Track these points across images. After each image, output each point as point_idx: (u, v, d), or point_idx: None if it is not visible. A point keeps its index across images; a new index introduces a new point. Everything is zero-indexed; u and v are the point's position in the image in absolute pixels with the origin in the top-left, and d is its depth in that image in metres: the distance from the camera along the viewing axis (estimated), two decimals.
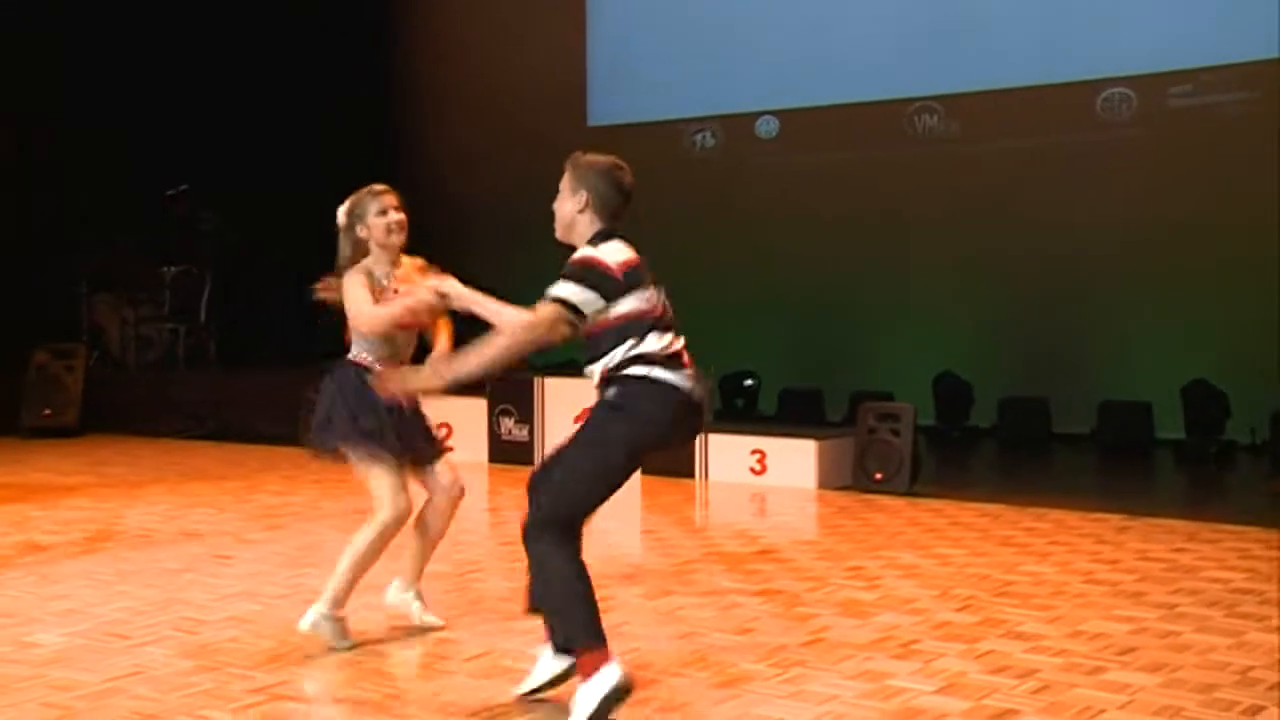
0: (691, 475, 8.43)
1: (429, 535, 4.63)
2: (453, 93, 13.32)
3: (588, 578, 3.70)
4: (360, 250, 4.45)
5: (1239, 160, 9.64)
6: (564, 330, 3.74)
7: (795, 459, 8.13)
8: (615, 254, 3.79)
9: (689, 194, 12.00)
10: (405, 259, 4.50)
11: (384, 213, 4.41)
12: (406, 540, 4.59)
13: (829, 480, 8.04)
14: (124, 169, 12.37)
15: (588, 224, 3.87)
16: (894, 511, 7.21)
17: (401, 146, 12.78)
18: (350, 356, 4.47)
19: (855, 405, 8.80)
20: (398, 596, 4.71)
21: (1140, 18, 10.19)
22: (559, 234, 3.96)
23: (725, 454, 8.38)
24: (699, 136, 12.31)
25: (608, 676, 3.57)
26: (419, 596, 4.70)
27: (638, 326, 3.76)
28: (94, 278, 12.07)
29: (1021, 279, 10.63)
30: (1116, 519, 6.86)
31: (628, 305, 3.76)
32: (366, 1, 13.66)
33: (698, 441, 8.42)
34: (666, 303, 3.87)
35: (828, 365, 11.13)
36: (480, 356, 3.75)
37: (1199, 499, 8.13)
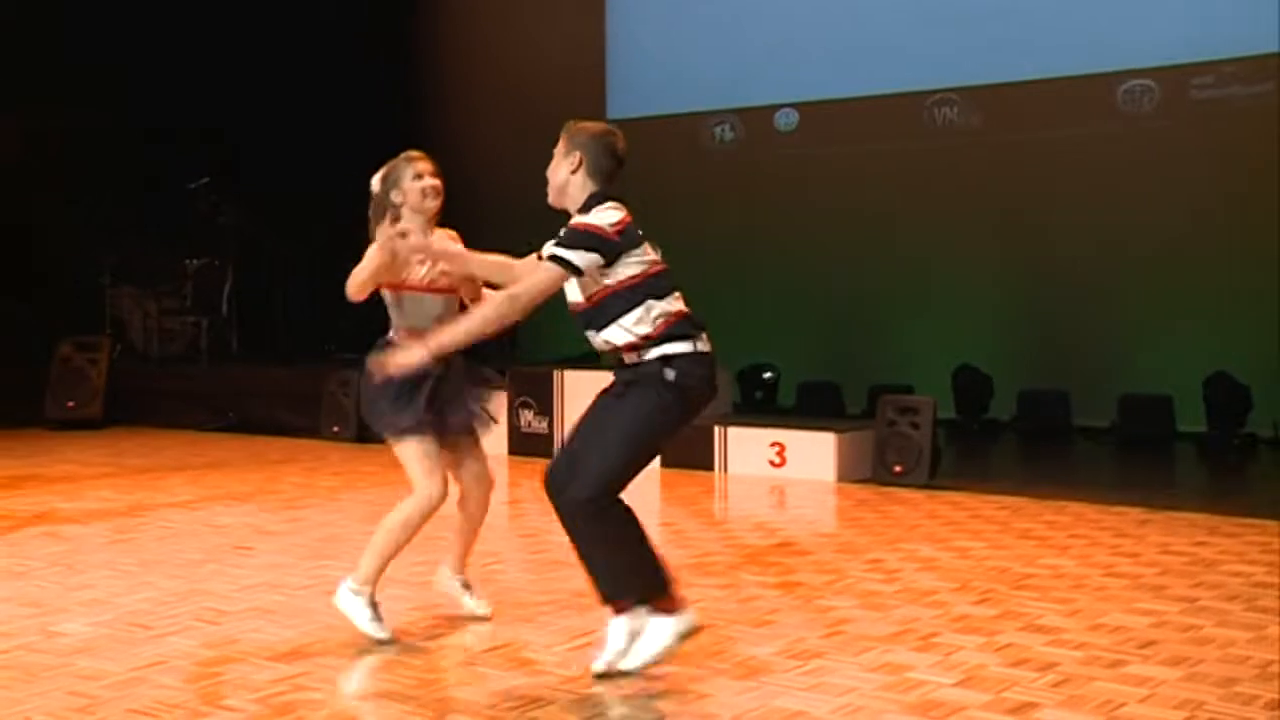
0: (710, 468, 8.43)
1: (471, 522, 4.65)
2: (473, 86, 13.33)
3: (638, 534, 3.89)
4: (394, 218, 4.40)
5: (1261, 152, 9.57)
6: (555, 289, 3.85)
7: (815, 452, 8.12)
8: (608, 216, 3.85)
9: (708, 186, 11.98)
10: (437, 230, 4.47)
11: (419, 177, 4.39)
12: (446, 528, 4.62)
13: (848, 473, 8.02)
14: (146, 163, 12.42)
15: (580, 187, 3.94)
16: (913, 504, 7.20)
17: (421, 139, 12.75)
18: (390, 334, 4.46)
19: (874, 398, 8.78)
20: (447, 583, 4.74)
21: (1162, 9, 10.12)
22: (551, 199, 4.03)
23: (744, 446, 8.37)
24: (718, 129, 12.29)
25: (685, 620, 3.89)
26: (466, 585, 4.72)
27: (654, 286, 3.85)
28: (117, 271, 12.13)
29: (1041, 271, 10.59)
30: (1137, 512, 6.83)
31: (631, 267, 3.84)
32: None
33: (717, 434, 8.43)
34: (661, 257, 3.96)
35: (847, 358, 11.10)
36: (467, 326, 3.86)
37: (1220, 493, 8.08)
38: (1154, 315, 10.13)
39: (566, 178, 3.95)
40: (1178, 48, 10.01)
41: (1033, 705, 3.75)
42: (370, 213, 4.45)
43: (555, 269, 3.80)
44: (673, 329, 3.84)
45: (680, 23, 12.34)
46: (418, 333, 4.26)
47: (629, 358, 3.88)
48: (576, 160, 3.93)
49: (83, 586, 5.23)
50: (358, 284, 4.26)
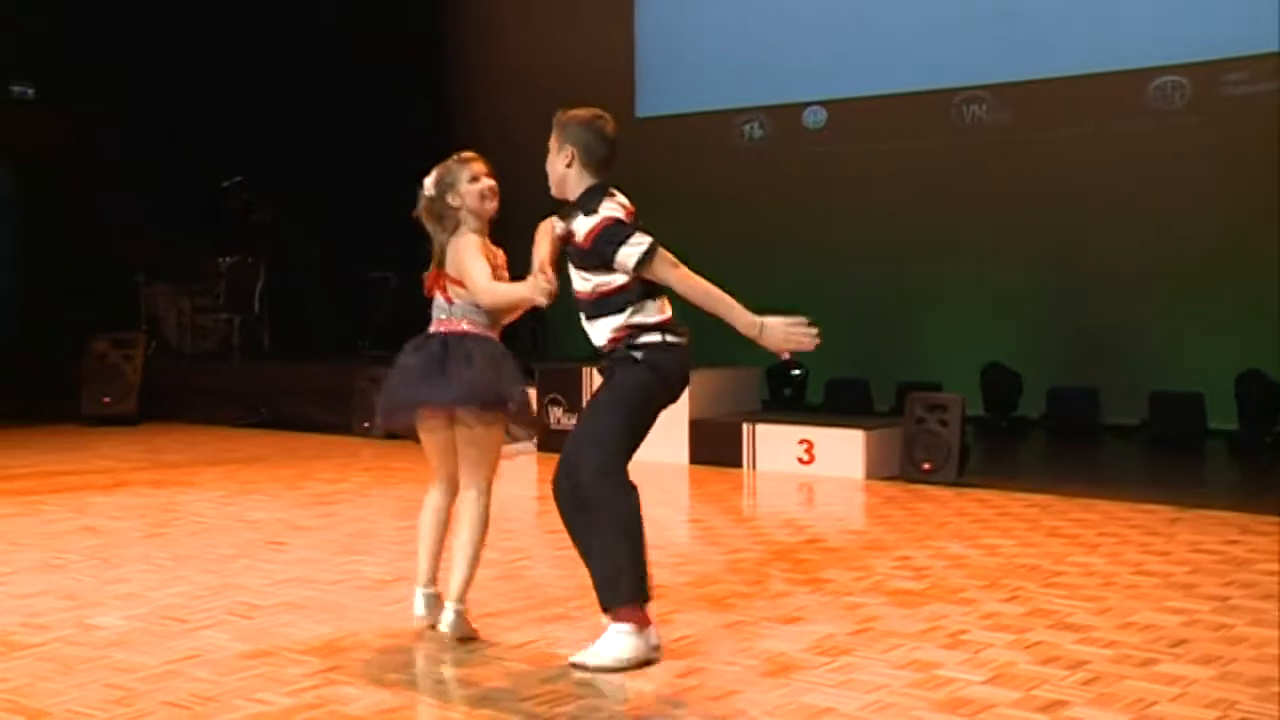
0: (739, 465, 8.41)
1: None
2: (503, 85, 13.34)
3: (643, 530, 3.96)
4: (451, 220, 4.31)
5: None
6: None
7: (843, 449, 8.09)
8: (620, 207, 4.03)
9: (737, 184, 11.96)
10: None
11: (475, 179, 4.30)
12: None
13: (877, 470, 8.00)
14: (181, 162, 12.51)
15: (577, 177, 4.06)
16: (942, 501, 7.16)
17: (452, 139, 12.80)
18: (466, 328, 4.29)
19: (902, 395, 8.74)
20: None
21: (1192, 5, 10.02)
22: (554, 191, 4.14)
23: (773, 444, 8.36)
24: (747, 127, 12.27)
25: (648, 637, 3.92)
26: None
27: (639, 293, 4.02)
28: (152, 268, 12.22)
29: (1070, 268, 10.51)
30: (1167, 510, 6.78)
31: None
32: None
33: (746, 431, 8.42)
34: None
35: (875, 355, 11.06)
36: (722, 297, 3.98)
37: (1252, 491, 8.00)
38: (1185, 312, 10.04)
39: (563, 171, 4.07)
40: (1209, 44, 9.91)
41: (1063, 703, 3.72)
42: (423, 214, 4.34)
43: (660, 251, 3.96)
44: (648, 328, 4.03)
45: (709, 22, 12.32)
46: (492, 329, 4.32)
47: (608, 348, 4.07)
48: (570, 154, 4.03)
49: (118, 580, 5.27)
50: (503, 301, 4.19)
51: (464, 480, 4.34)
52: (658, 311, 4.06)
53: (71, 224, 12.88)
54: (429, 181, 4.36)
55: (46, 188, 13.08)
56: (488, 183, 4.33)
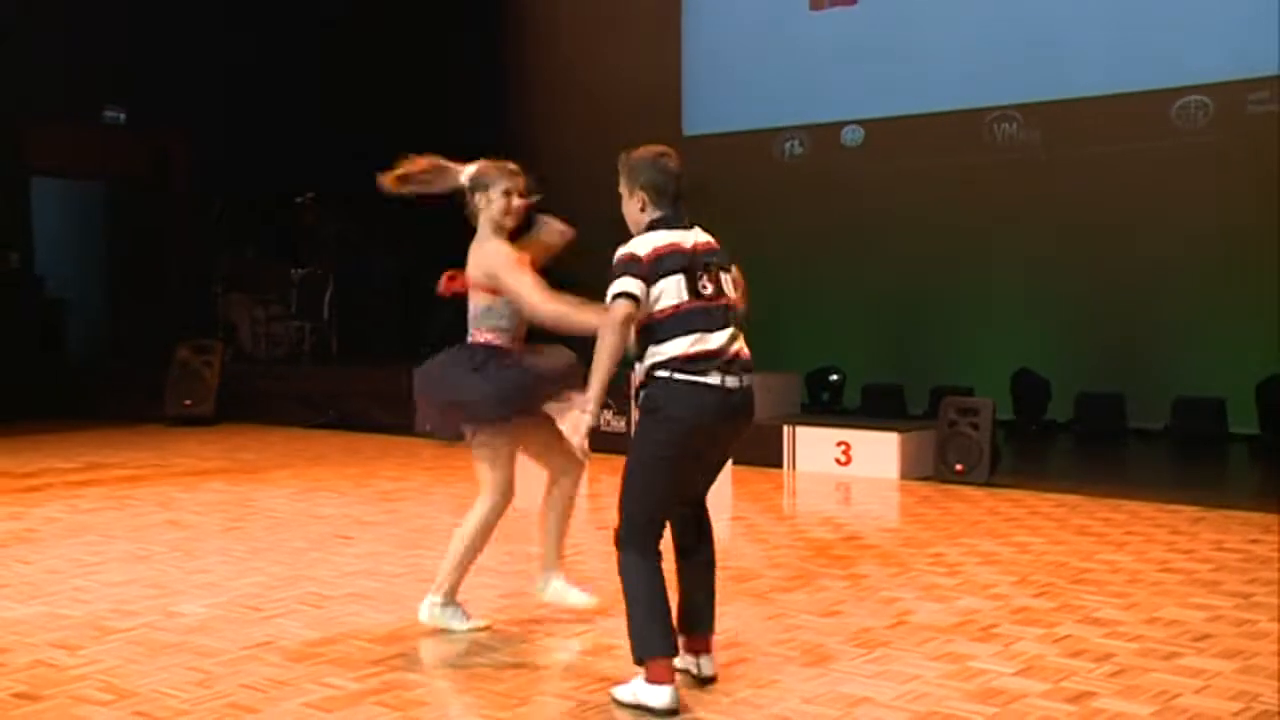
0: (780, 465, 8.39)
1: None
2: (557, 104, 13.39)
3: (663, 591, 3.64)
4: (470, 214, 4.27)
5: None
6: (632, 317, 3.63)
7: (879, 450, 8.05)
8: (649, 243, 3.68)
9: (778, 199, 11.93)
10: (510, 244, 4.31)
11: (509, 194, 4.22)
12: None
13: (911, 471, 7.95)
14: (255, 179, 12.67)
15: (648, 218, 3.77)
16: (974, 501, 7.11)
17: (509, 155, 12.89)
18: (488, 339, 4.23)
19: (936, 400, 8.68)
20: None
21: (1216, 26, 9.89)
22: (634, 234, 3.85)
23: (812, 445, 8.33)
24: (788, 145, 12.24)
25: (660, 694, 3.55)
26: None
27: (668, 327, 3.63)
28: (228, 279, 12.36)
29: (1097, 280, 10.40)
30: (1191, 510, 6.69)
31: (664, 301, 3.64)
32: (480, 15, 13.79)
33: (786, 433, 8.40)
34: (712, 291, 3.68)
35: (910, 361, 10.99)
36: (600, 371, 3.62)
37: (1274, 493, 7.87)
38: (1207, 321, 9.91)
39: (638, 215, 3.80)
40: (1232, 64, 9.78)
41: (1090, 694, 3.69)
42: (466, 201, 4.29)
43: (621, 302, 3.61)
44: (658, 366, 3.64)
45: (752, 44, 12.30)
46: (506, 333, 4.23)
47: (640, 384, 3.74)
48: (641, 200, 3.77)
49: (199, 571, 5.35)
50: (555, 321, 4.03)
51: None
52: (679, 348, 3.62)
53: (156, 239, 13.08)
54: (466, 172, 4.30)
55: (134, 206, 13.31)
56: (519, 203, 4.25)
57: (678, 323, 3.64)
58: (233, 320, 12.47)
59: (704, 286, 3.68)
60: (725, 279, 3.76)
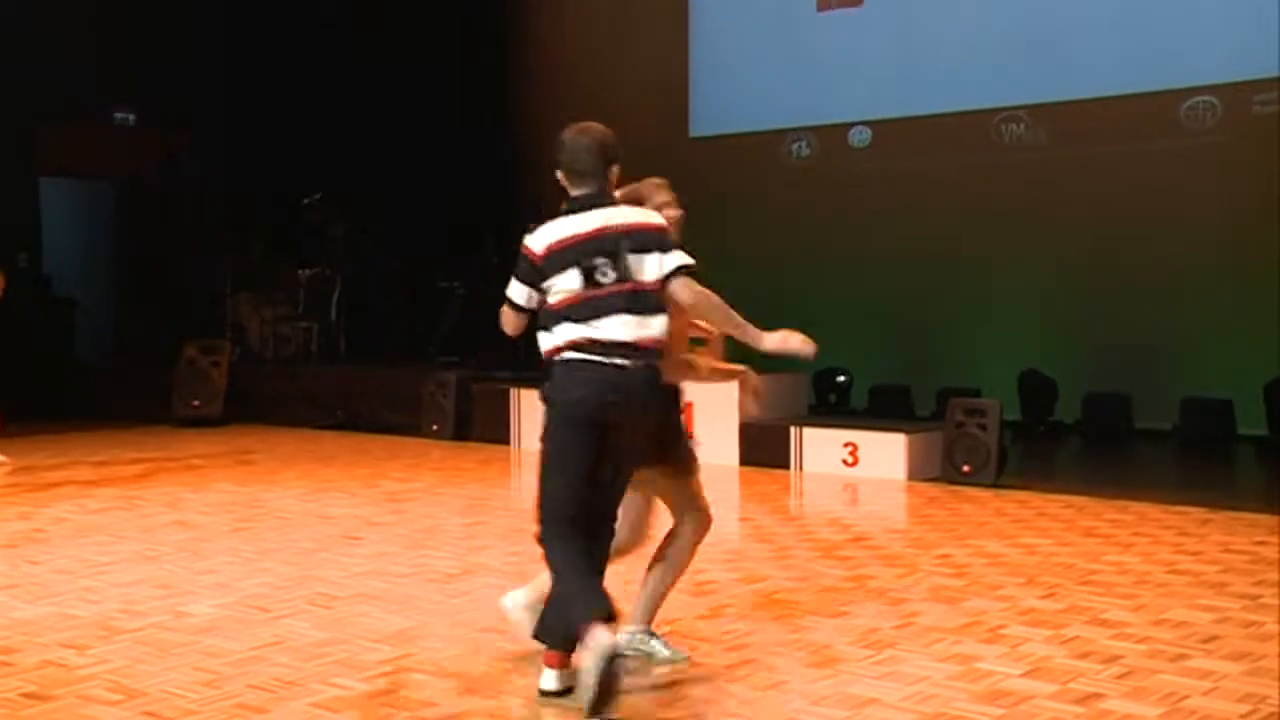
0: (787, 466, 8.39)
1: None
2: (563, 106, 13.38)
3: (580, 566, 3.53)
4: None
5: None
6: (517, 323, 3.67)
7: (886, 451, 8.05)
8: (544, 239, 3.57)
9: (786, 200, 11.92)
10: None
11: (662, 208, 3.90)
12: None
13: (918, 472, 7.94)
14: (263, 179, 12.70)
15: (568, 201, 3.68)
16: (981, 502, 7.10)
17: (516, 158, 12.91)
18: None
19: (943, 401, 8.67)
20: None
21: (1224, 27, 9.87)
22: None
23: (819, 446, 8.33)
24: (795, 146, 12.23)
25: (599, 638, 3.31)
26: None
27: (561, 314, 3.54)
28: (236, 279, 12.37)
29: (1105, 280, 10.38)
30: (1198, 512, 6.67)
31: (557, 292, 3.54)
32: (486, 16, 13.80)
33: (793, 434, 8.39)
34: (614, 278, 3.52)
35: (917, 362, 10.98)
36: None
37: None
38: (1215, 322, 9.89)
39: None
40: (1239, 65, 9.76)
41: (1098, 695, 3.68)
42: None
43: (505, 305, 3.65)
44: (558, 347, 3.55)
45: (760, 45, 12.30)
46: None
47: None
48: (560, 177, 3.70)
49: (207, 571, 5.36)
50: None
51: None
52: (568, 335, 3.52)
53: (164, 239, 13.11)
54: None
55: (143, 206, 13.34)
56: (674, 214, 3.95)
57: (571, 311, 3.53)
58: (241, 321, 12.48)
59: (603, 274, 3.53)
60: (640, 262, 3.56)
